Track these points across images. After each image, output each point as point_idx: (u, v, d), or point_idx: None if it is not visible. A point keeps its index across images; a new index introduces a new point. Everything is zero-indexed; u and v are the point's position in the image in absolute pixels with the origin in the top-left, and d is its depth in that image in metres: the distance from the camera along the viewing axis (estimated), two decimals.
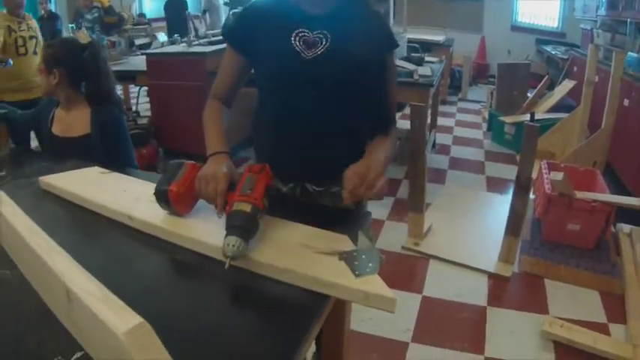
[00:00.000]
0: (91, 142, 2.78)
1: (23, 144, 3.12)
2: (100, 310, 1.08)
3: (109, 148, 2.80)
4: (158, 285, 1.47)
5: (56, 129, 2.87)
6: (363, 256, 1.44)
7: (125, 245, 1.68)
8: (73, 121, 2.84)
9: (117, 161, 2.77)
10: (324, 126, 1.88)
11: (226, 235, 1.43)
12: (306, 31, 1.81)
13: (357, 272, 1.38)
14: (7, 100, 4.35)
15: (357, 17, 1.83)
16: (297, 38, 1.81)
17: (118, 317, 1.05)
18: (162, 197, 1.68)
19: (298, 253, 1.47)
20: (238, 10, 8.06)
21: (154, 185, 1.77)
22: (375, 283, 1.34)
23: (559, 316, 3.32)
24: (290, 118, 1.89)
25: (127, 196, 1.91)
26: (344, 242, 1.52)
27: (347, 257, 1.44)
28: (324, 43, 1.81)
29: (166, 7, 11.29)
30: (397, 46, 2.00)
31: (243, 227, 1.44)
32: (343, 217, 1.80)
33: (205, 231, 1.62)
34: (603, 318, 3.40)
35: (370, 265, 1.40)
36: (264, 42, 1.87)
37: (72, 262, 1.30)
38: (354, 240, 1.53)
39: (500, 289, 3.67)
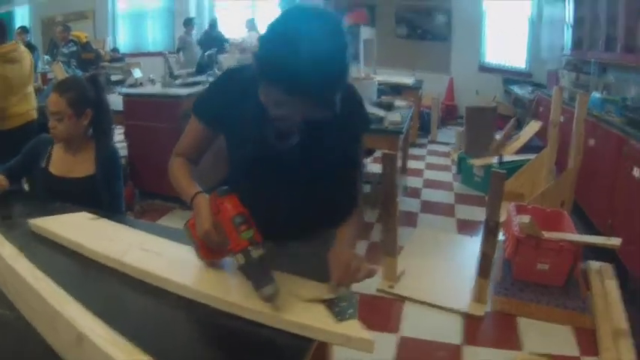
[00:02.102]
0: (94, 184, 2.80)
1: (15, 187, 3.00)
2: (112, 352, 1.18)
3: (110, 189, 2.84)
4: (152, 328, 1.54)
5: (55, 169, 2.84)
6: (344, 303, 1.55)
7: (118, 289, 1.74)
8: (76, 161, 2.85)
9: (116, 203, 2.86)
10: (298, 209, 1.87)
11: (261, 288, 1.51)
12: None
13: (338, 318, 1.49)
14: None
15: None
16: (270, 129, 1.73)
17: (130, 358, 1.16)
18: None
19: (285, 301, 1.55)
20: (212, 51, 8.19)
21: (142, 233, 1.87)
22: (354, 327, 1.46)
23: (533, 352, 3.41)
24: (259, 200, 1.78)
25: (118, 242, 1.97)
26: (326, 290, 1.61)
27: (329, 304, 1.55)
28: (296, 133, 1.75)
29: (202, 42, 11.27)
30: (369, 126, 2.02)
31: (268, 271, 1.54)
32: (325, 266, 1.80)
33: (194, 278, 1.71)
34: (576, 352, 3.47)
35: (350, 311, 1.52)
36: (235, 125, 1.84)
37: (79, 306, 1.40)
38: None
39: (474, 328, 3.74)
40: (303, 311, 1.53)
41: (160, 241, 2.01)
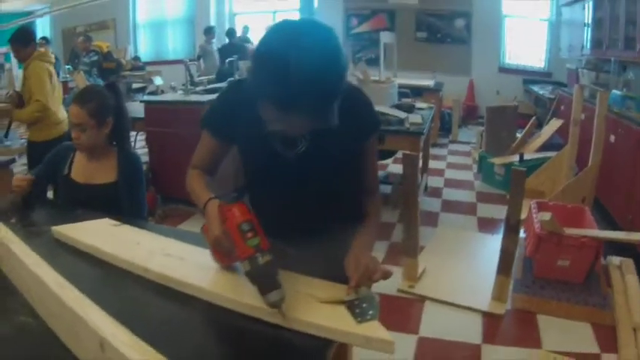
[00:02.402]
0: (116, 190, 2.85)
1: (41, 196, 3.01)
2: (135, 358, 1.21)
3: (132, 195, 2.88)
4: (176, 333, 1.56)
5: (77, 176, 2.89)
6: (364, 304, 1.56)
7: (142, 295, 1.77)
8: (98, 168, 2.89)
9: (138, 209, 2.89)
10: (312, 214, 1.89)
11: (266, 294, 1.51)
12: None
13: (359, 319, 1.51)
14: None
15: (338, 107, 1.57)
16: (277, 136, 1.73)
17: None
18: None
19: (306, 303, 1.58)
20: (233, 58, 8.22)
21: (164, 238, 1.91)
22: (375, 328, 1.47)
23: (553, 350, 3.40)
24: (274, 205, 1.87)
25: (141, 248, 2.00)
26: (346, 291, 1.62)
27: (349, 305, 1.57)
28: (304, 141, 1.76)
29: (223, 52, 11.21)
30: (379, 128, 1.99)
31: (274, 278, 1.53)
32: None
33: (217, 282, 1.73)
34: (596, 349, 3.46)
35: (371, 312, 1.53)
36: (243, 136, 1.88)
37: (104, 313, 1.42)
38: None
39: (494, 327, 3.74)
40: (323, 312, 1.54)
41: (183, 246, 2.03)
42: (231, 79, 1.94)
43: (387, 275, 1.65)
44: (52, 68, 4.87)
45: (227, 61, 8.33)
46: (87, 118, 2.79)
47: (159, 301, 1.73)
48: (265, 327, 1.54)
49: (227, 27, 13.81)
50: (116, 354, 1.24)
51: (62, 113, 4.89)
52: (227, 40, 11.77)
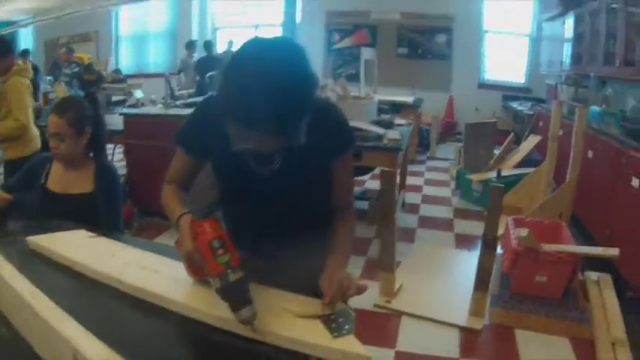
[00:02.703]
0: (93, 201, 2.83)
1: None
2: None
3: (109, 206, 2.87)
4: (150, 345, 1.55)
5: (54, 185, 2.88)
6: (340, 319, 1.56)
7: (116, 308, 1.75)
8: (75, 178, 2.88)
9: (114, 221, 2.88)
10: (286, 229, 1.89)
11: (237, 310, 1.50)
12: None
13: (335, 334, 1.51)
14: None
15: (311, 123, 1.57)
16: (250, 156, 1.73)
17: None
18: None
19: (281, 317, 1.58)
20: (213, 72, 8.20)
21: (139, 251, 1.95)
22: (351, 343, 1.47)
23: None
24: (250, 222, 1.93)
25: (116, 260, 1.99)
26: (322, 306, 1.62)
27: (325, 320, 1.57)
28: (277, 158, 1.75)
29: (198, 65, 11.10)
30: (353, 144, 1.98)
31: (245, 295, 1.53)
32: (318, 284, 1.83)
33: (191, 295, 1.73)
34: None
35: (347, 326, 1.53)
36: (216, 152, 1.85)
37: (77, 325, 1.41)
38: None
39: (472, 342, 3.74)
40: (299, 327, 1.54)
41: (158, 259, 2.03)
42: (208, 94, 1.93)
43: (361, 290, 1.65)
44: (29, 84, 4.75)
45: (207, 75, 8.32)
46: (66, 127, 2.79)
47: (133, 313, 1.72)
48: (240, 341, 1.54)
49: (211, 39, 13.86)
50: None
51: (35, 129, 4.79)
52: (204, 53, 11.72)
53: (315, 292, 1.69)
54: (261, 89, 1.40)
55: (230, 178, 1.93)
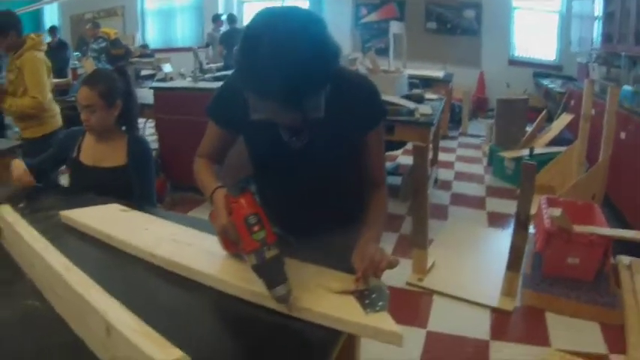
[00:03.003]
0: (126, 174, 2.83)
1: (50, 183, 3.03)
2: (142, 344, 1.19)
3: (141, 179, 2.87)
4: (184, 319, 1.55)
5: (86, 158, 2.88)
6: (374, 295, 1.54)
7: (149, 281, 1.76)
8: (107, 151, 2.88)
9: (147, 194, 2.88)
10: (318, 203, 1.89)
11: (273, 288, 1.49)
12: None
13: (367, 310, 1.48)
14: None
15: (342, 95, 1.63)
16: (283, 127, 1.75)
17: (160, 350, 1.17)
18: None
19: (314, 293, 1.56)
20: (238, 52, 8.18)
21: (172, 224, 1.99)
22: (384, 320, 1.45)
23: (560, 348, 3.36)
24: (283, 196, 1.91)
25: (149, 234, 1.99)
26: (355, 282, 1.60)
27: (359, 296, 1.54)
28: (309, 131, 1.75)
29: (224, 38, 11.08)
30: (385, 117, 1.95)
31: (281, 272, 1.51)
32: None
33: (225, 269, 1.71)
34: (604, 349, 3.43)
35: (380, 303, 1.51)
36: (248, 125, 1.73)
37: (109, 297, 1.41)
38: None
39: (502, 323, 3.71)
40: (331, 302, 1.52)
41: (191, 233, 2.03)
42: None
43: (393, 264, 1.61)
44: (45, 58, 4.53)
45: (234, 48, 8.32)
46: (97, 99, 2.77)
47: (166, 287, 1.72)
48: (274, 316, 1.53)
49: (236, 14, 13.79)
50: (122, 339, 1.23)
51: (55, 106, 4.65)
52: (228, 27, 11.67)
53: (349, 268, 1.67)
54: (272, 59, 1.38)
55: (262, 152, 1.91)
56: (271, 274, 1.51)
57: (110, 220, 2.14)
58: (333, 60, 1.51)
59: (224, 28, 12.06)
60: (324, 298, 1.55)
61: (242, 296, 1.60)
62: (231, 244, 1.69)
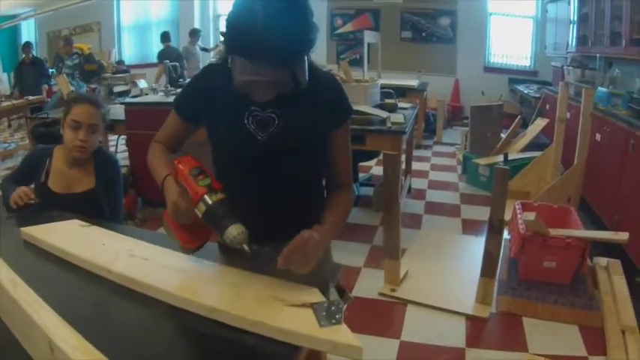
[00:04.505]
0: (95, 196, 2.79)
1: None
2: None
3: (110, 198, 2.84)
4: (135, 336, 1.52)
5: (56, 186, 2.80)
6: (332, 308, 1.50)
7: (104, 297, 1.72)
8: (78, 176, 2.82)
9: (115, 210, 2.84)
10: (280, 197, 1.88)
11: (226, 227, 1.55)
12: (259, 110, 1.80)
13: (322, 323, 1.44)
14: None
15: (309, 91, 1.70)
16: (250, 118, 1.80)
17: None
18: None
19: (270, 306, 1.53)
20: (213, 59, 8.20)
21: (130, 239, 1.99)
22: (341, 333, 1.41)
23: (539, 353, 3.34)
24: (244, 192, 1.85)
25: (106, 249, 1.96)
26: (313, 294, 1.57)
27: (316, 308, 1.50)
28: (276, 122, 1.80)
29: (160, 56, 11.21)
30: (351, 114, 1.99)
31: (230, 214, 1.58)
32: (315, 270, 1.76)
33: (179, 284, 1.67)
34: (583, 352, 3.41)
35: (337, 316, 1.46)
36: (214, 116, 1.87)
37: (54, 315, 1.38)
38: (325, 291, 1.59)
39: (478, 330, 3.68)
40: (288, 316, 1.49)
41: (149, 247, 2.00)
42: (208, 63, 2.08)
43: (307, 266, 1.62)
44: None
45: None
46: (100, 119, 2.78)
47: (122, 303, 1.69)
48: (229, 331, 1.49)
49: (212, 28, 13.86)
50: (63, 356, 1.22)
51: None
52: (162, 45, 11.74)
53: (310, 280, 1.65)
54: (269, 18, 1.50)
55: (227, 145, 1.90)
56: (221, 217, 1.57)
57: (69, 237, 2.12)
58: (315, 28, 1.62)
59: (200, 43, 12.09)
60: (279, 311, 1.51)
61: (197, 311, 1.56)
62: (186, 232, 1.75)
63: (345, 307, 1.55)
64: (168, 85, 6.92)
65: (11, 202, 2.59)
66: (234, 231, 1.54)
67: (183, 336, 1.56)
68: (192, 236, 1.75)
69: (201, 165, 1.67)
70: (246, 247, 1.55)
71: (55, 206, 2.66)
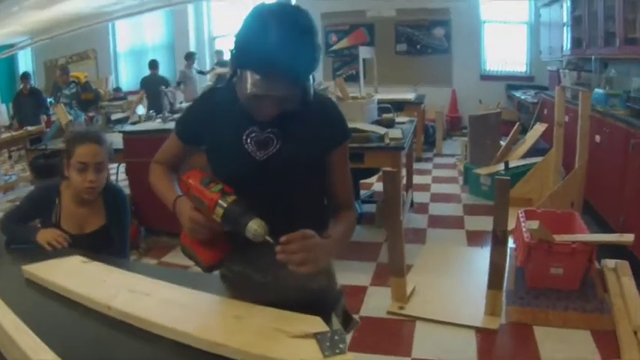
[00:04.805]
0: (108, 232, 2.76)
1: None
2: None
3: (120, 231, 2.81)
4: None
5: (68, 225, 2.72)
6: (336, 337, 1.48)
7: (105, 335, 1.70)
8: (89, 214, 2.77)
9: (123, 246, 2.82)
10: (279, 218, 1.78)
11: (246, 224, 1.58)
12: (257, 130, 1.82)
13: (326, 353, 1.41)
14: None
15: (307, 112, 1.75)
16: (249, 139, 1.83)
17: None
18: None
19: (272, 338, 1.50)
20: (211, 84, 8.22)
21: (131, 274, 1.98)
22: None
23: None
24: None
25: (106, 286, 1.94)
26: (316, 324, 1.54)
27: (320, 338, 1.48)
28: (275, 143, 1.82)
29: (143, 83, 11.36)
30: (350, 136, 2.01)
31: (247, 211, 1.62)
32: (316, 299, 1.79)
33: (180, 319, 1.65)
34: (597, 357, 3.37)
35: (341, 345, 1.44)
36: (214, 138, 1.90)
37: (53, 354, 1.42)
38: (328, 321, 1.58)
39: (489, 343, 3.64)
40: (290, 348, 1.46)
41: (150, 282, 1.98)
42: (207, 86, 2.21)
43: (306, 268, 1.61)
44: None
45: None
46: (106, 155, 2.73)
47: (122, 339, 1.66)
48: None
49: (208, 50, 13.90)
50: None
51: None
52: (149, 72, 11.74)
53: (310, 307, 1.65)
54: (282, 33, 1.57)
55: (226, 165, 1.91)
56: (239, 215, 1.61)
57: (70, 274, 2.10)
58: (320, 48, 1.70)
59: (196, 66, 12.13)
60: (282, 343, 1.49)
61: (199, 346, 1.53)
62: (207, 248, 1.78)
63: (350, 333, 1.54)
64: (166, 112, 6.90)
65: (43, 242, 2.54)
66: (255, 225, 1.57)
67: None
68: (213, 251, 1.79)
69: (209, 175, 1.73)
70: (269, 238, 1.57)
71: (69, 246, 2.61)
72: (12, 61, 15.77)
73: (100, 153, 2.69)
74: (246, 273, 2.00)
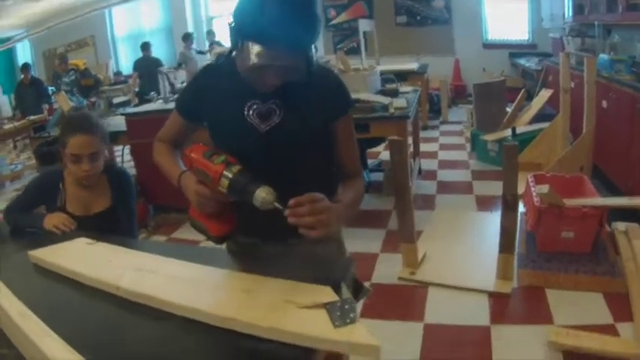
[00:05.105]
0: (115, 213, 2.76)
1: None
2: None
3: (126, 211, 2.81)
4: (147, 351, 1.49)
5: (74, 208, 2.71)
6: (346, 307, 1.45)
7: (114, 315, 1.69)
8: (93, 196, 2.76)
9: (131, 226, 2.82)
10: (284, 190, 1.76)
11: (254, 192, 1.57)
12: (259, 102, 1.82)
13: (336, 323, 1.39)
14: None
15: (309, 83, 1.72)
16: (251, 111, 1.83)
17: None
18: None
19: (282, 310, 1.48)
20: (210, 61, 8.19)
21: (137, 253, 1.95)
22: (357, 333, 1.35)
23: (565, 325, 3.29)
24: None
25: (112, 266, 1.93)
26: (326, 294, 1.52)
27: (330, 308, 1.46)
28: (277, 113, 1.82)
29: (136, 66, 11.41)
30: (353, 105, 2.02)
31: (253, 180, 1.61)
32: (326, 268, 1.80)
33: (190, 296, 1.63)
34: (609, 319, 3.36)
35: (351, 315, 1.42)
36: (215, 112, 1.91)
37: (63, 345, 1.38)
38: (338, 290, 1.56)
39: (501, 306, 3.64)
40: (301, 320, 1.44)
41: (155, 260, 1.97)
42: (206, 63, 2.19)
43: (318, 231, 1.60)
44: None
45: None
46: (99, 144, 2.68)
47: (131, 319, 1.65)
48: (243, 340, 1.44)
49: (205, 31, 13.84)
50: None
51: None
52: (142, 54, 11.79)
53: (317, 277, 1.64)
54: (283, 4, 1.55)
55: (228, 138, 1.91)
56: (245, 185, 1.60)
57: (76, 256, 2.09)
58: (320, 18, 1.68)
59: (195, 46, 12.08)
60: (292, 315, 1.47)
61: (209, 322, 1.52)
62: (216, 220, 1.80)
63: (362, 300, 1.52)
64: (167, 92, 6.90)
65: (50, 227, 2.53)
66: (263, 193, 1.56)
67: (196, 348, 1.51)
68: (222, 222, 1.80)
69: (211, 148, 1.72)
70: (277, 204, 1.56)
71: (77, 228, 2.61)
72: (11, 53, 15.80)
73: (92, 143, 2.64)
74: (254, 244, 2.00)
